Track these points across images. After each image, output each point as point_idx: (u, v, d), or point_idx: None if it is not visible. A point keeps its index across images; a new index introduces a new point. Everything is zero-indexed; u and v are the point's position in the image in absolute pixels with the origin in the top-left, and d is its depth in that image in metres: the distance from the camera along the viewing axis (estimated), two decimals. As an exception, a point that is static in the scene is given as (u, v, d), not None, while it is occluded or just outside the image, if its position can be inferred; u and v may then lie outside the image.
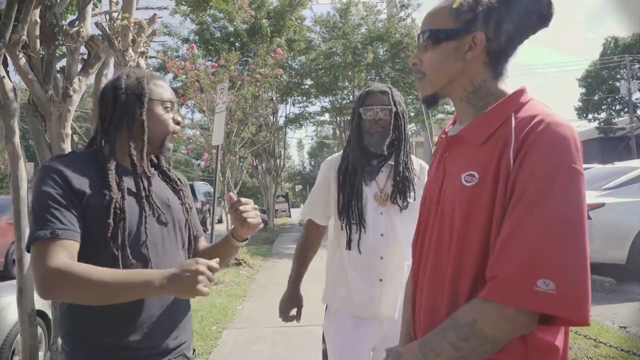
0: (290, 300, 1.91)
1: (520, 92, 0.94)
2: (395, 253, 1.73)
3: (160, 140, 1.28)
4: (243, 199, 1.32)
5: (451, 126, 1.06)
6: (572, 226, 0.80)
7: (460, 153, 0.96)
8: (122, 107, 1.23)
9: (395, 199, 1.76)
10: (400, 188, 1.76)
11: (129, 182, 1.21)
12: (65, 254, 1.05)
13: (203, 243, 1.47)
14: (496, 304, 0.80)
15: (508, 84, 0.97)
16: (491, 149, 0.89)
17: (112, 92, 1.25)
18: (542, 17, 0.91)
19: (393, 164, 1.79)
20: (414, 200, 1.77)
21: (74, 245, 1.08)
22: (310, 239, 1.96)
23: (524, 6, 0.91)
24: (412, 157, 1.86)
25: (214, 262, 1.08)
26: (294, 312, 1.92)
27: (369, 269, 1.74)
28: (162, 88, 1.30)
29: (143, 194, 1.21)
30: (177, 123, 1.33)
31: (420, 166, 1.89)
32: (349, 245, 1.75)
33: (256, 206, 1.33)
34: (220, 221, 9.14)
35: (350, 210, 1.75)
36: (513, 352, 0.84)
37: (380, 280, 1.73)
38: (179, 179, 1.40)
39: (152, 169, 1.33)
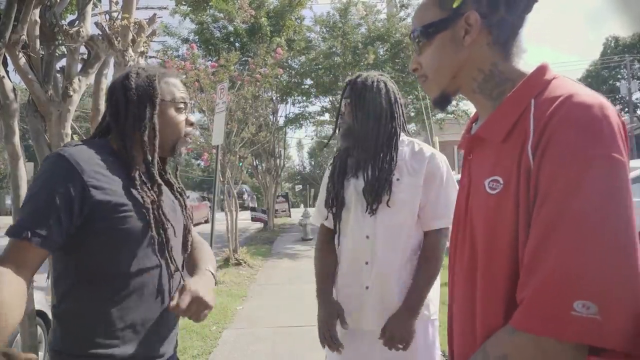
0: (325, 314, 1.57)
1: (540, 71, 0.78)
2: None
3: (172, 145, 1.20)
4: (182, 300, 1.07)
5: (474, 123, 0.92)
6: (611, 230, 0.63)
7: (483, 155, 0.83)
8: (132, 108, 1.14)
9: None
10: None
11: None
12: (20, 263, 0.97)
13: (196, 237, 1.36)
14: (528, 335, 0.65)
15: (527, 62, 0.83)
16: (512, 146, 0.74)
17: (122, 91, 1.15)
18: None
19: None
20: None
21: (42, 255, 1.00)
22: None
23: None
24: None
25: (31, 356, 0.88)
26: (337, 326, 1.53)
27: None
28: (175, 87, 1.20)
29: (155, 204, 1.13)
30: (191, 124, 1.24)
31: None
32: None
33: (201, 299, 1.13)
34: (223, 209, 9.12)
35: None
36: None
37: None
38: (179, 184, 1.32)
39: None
